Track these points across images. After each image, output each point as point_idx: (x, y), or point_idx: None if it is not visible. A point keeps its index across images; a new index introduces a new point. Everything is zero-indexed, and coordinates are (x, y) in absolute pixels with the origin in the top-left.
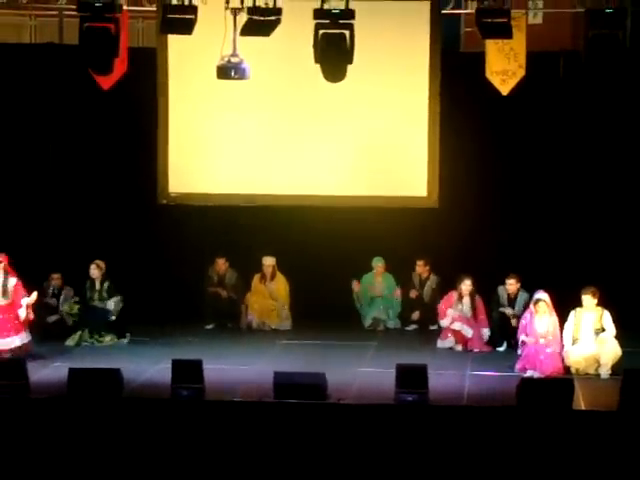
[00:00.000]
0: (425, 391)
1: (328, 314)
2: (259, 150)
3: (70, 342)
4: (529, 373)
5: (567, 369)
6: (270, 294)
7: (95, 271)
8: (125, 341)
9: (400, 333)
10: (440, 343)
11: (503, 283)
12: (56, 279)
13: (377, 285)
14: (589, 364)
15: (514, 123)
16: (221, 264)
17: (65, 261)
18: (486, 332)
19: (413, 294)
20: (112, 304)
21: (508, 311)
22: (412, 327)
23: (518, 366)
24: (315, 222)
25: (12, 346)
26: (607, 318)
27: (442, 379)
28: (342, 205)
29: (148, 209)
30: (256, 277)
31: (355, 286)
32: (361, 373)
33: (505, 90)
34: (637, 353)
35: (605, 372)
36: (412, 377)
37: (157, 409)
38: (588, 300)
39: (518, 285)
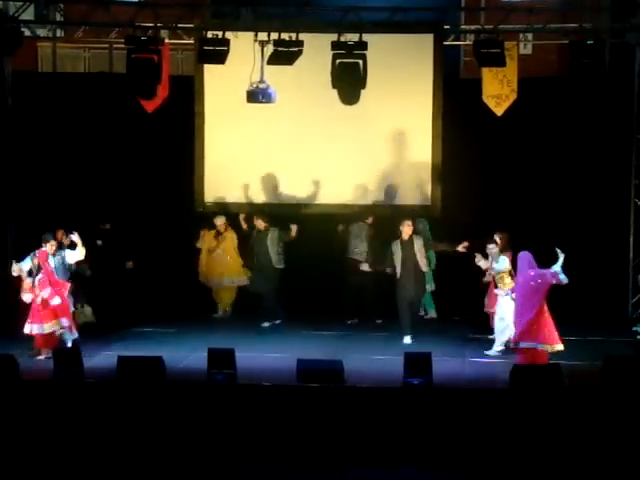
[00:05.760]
0: (429, 376)
1: (342, 309)
2: (283, 164)
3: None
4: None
5: None
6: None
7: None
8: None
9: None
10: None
11: None
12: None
13: None
14: None
15: (508, 141)
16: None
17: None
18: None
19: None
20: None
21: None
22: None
23: None
24: (333, 227)
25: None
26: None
27: (444, 365)
28: (356, 212)
29: (187, 216)
30: (209, 234)
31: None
32: (373, 360)
33: (499, 112)
34: (615, 342)
35: (492, 351)
36: (418, 363)
37: (195, 392)
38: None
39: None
